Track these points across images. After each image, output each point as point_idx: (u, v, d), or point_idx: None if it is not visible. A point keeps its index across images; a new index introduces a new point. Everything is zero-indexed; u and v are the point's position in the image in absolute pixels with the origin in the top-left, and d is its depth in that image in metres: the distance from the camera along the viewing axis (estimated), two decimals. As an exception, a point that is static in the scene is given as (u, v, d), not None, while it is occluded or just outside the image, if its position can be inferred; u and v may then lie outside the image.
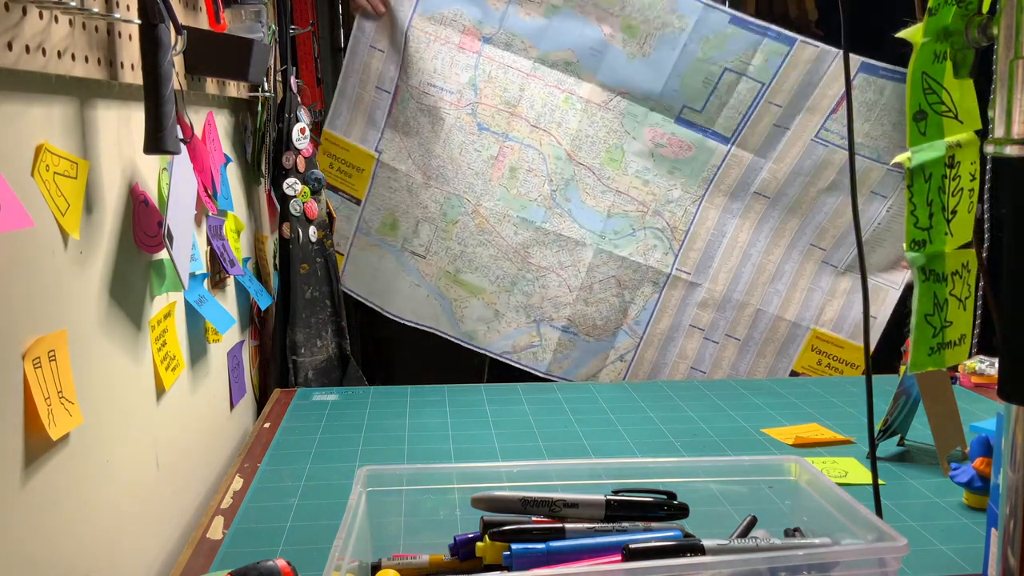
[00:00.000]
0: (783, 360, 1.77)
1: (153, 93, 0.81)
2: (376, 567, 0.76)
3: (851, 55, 1.63)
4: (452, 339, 1.73)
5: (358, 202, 1.69)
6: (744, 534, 0.78)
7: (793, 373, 1.77)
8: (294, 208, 1.51)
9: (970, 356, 1.47)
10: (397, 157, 1.67)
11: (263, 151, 1.50)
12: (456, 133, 1.63)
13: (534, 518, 0.76)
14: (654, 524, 0.76)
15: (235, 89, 1.32)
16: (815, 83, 1.65)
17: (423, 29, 1.61)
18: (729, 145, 1.67)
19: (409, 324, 1.73)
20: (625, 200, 1.70)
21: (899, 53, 0.75)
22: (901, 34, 0.71)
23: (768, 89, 1.64)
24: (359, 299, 1.74)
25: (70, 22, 0.75)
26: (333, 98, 1.67)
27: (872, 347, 0.97)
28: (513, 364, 1.73)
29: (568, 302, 1.71)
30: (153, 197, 0.97)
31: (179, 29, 0.86)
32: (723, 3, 1.71)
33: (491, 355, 1.74)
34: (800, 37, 1.65)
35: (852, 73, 1.65)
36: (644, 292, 1.73)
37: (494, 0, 1.62)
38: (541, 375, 1.74)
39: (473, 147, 1.65)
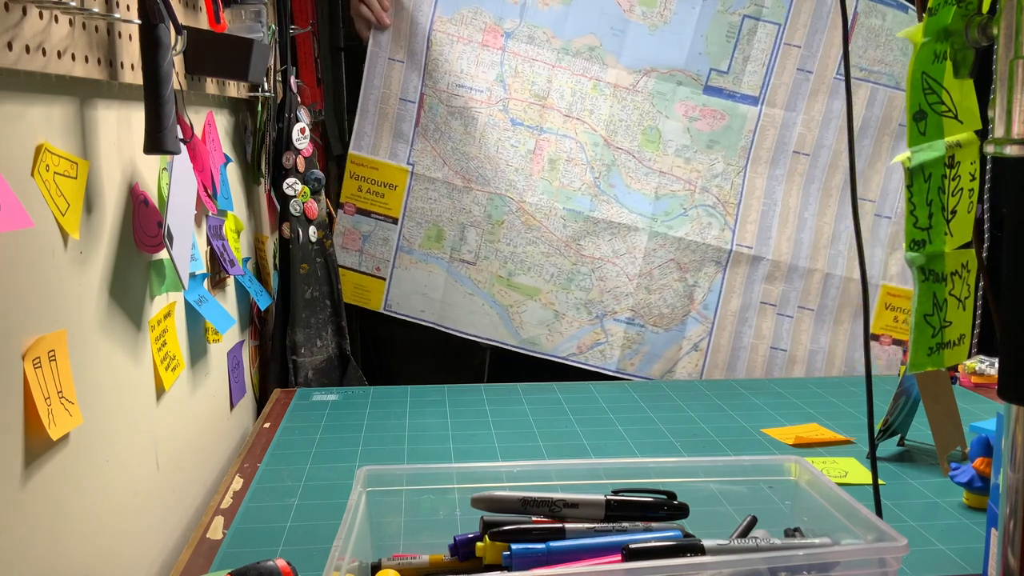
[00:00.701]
0: (860, 323, 1.70)
1: (153, 93, 0.81)
2: (376, 567, 0.76)
3: None
4: (515, 349, 1.68)
5: (395, 221, 1.64)
6: (744, 534, 0.78)
7: (873, 337, 1.70)
8: (294, 208, 1.51)
9: (970, 356, 1.47)
10: (432, 166, 1.63)
11: (263, 151, 1.50)
12: (490, 131, 1.61)
13: (534, 518, 0.76)
14: (654, 524, 0.76)
15: (235, 89, 1.32)
16: (825, 14, 1.64)
17: (444, 31, 1.59)
18: (759, 106, 1.65)
19: (469, 337, 1.68)
20: (670, 180, 1.66)
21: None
22: (901, 34, 0.71)
23: (785, 29, 1.62)
24: (410, 319, 1.69)
25: (70, 22, 0.75)
26: (355, 120, 1.63)
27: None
28: (582, 366, 1.68)
29: (629, 291, 1.66)
30: (153, 197, 0.97)
31: (179, 29, 0.86)
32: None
33: (557, 360, 1.68)
34: None
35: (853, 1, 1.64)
36: (707, 272, 1.67)
37: None
38: (611, 374, 1.68)
39: (509, 143, 1.62)
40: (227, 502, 1.01)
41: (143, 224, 0.93)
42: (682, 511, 0.78)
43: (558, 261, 1.65)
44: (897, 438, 1.17)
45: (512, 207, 1.63)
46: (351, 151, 1.64)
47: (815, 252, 1.70)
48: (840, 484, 0.87)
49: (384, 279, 1.67)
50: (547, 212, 1.63)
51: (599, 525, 0.75)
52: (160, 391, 0.99)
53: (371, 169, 1.64)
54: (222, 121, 1.31)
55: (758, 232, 1.69)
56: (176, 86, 0.84)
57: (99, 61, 0.81)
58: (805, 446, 1.18)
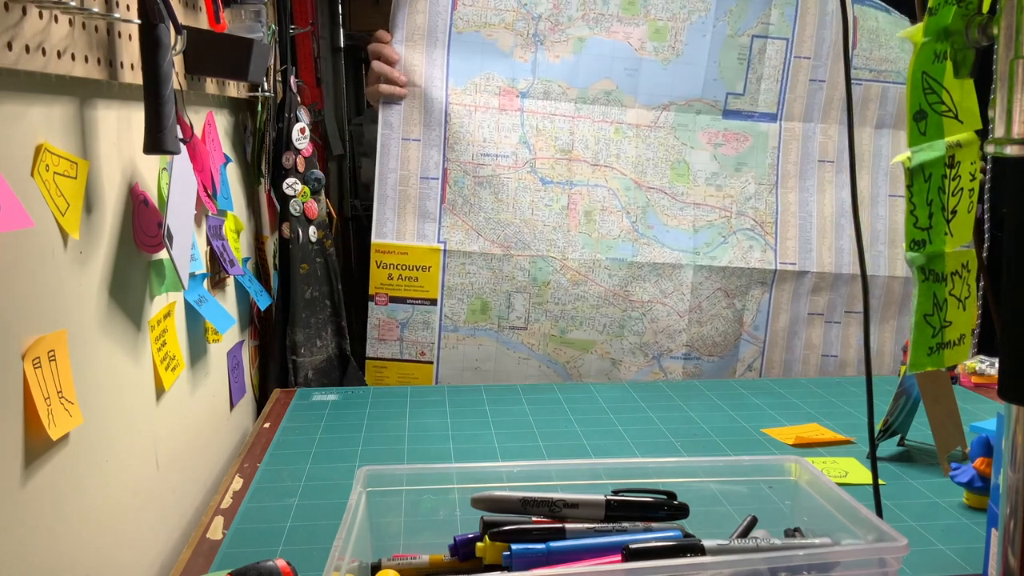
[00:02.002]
0: (906, 315, 1.70)
1: (153, 93, 0.81)
2: (376, 567, 0.76)
3: None
4: None
5: (433, 302, 1.59)
6: (744, 534, 0.78)
7: None
8: (294, 208, 1.51)
9: (970, 356, 1.47)
10: (465, 240, 1.58)
11: (263, 151, 1.50)
12: (522, 194, 1.59)
13: (534, 518, 0.76)
14: (654, 524, 0.76)
15: (235, 89, 1.32)
16: (828, 22, 1.65)
17: (460, 103, 1.57)
18: (779, 121, 1.66)
19: None
20: (706, 211, 1.66)
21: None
22: (901, 34, 0.71)
23: (793, 43, 1.63)
24: None
25: (70, 22, 0.75)
26: (374, 208, 1.57)
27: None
28: None
29: (682, 328, 1.65)
30: (153, 197, 0.97)
31: (179, 29, 0.86)
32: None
33: None
34: None
35: (850, 8, 1.64)
36: (754, 295, 1.67)
37: (521, 54, 1.59)
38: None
39: (543, 203, 1.60)
40: (227, 502, 1.01)
41: (143, 224, 0.93)
42: (682, 511, 0.78)
43: (608, 311, 1.63)
44: (897, 438, 1.17)
45: (556, 266, 1.60)
46: (374, 241, 1.57)
47: (856, 256, 1.68)
48: (840, 484, 0.87)
49: (431, 362, 1.61)
50: (591, 265, 1.61)
51: (599, 525, 0.75)
52: (160, 391, 0.99)
53: (399, 255, 1.57)
54: (222, 121, 1.31)
55: (799, 247, 1.69)
56: (176, 86, 0.84)
57: (99, 61, 0.81)
58: (805, 446, 1.18)
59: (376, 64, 1.57)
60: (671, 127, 1.63)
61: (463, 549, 0.76)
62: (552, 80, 1.59)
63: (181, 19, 0.90)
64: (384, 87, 1.56)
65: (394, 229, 1.57)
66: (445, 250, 1.57)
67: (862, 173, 1.71)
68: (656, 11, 1.59)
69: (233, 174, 1.36)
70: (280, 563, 0.73)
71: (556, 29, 1.58)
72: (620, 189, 1.63)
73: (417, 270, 1.58)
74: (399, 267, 1.58)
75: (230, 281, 1.32)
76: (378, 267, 1.58)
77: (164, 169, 1.01)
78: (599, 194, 1.62)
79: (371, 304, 1.59)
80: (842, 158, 1.69)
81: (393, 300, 1.59)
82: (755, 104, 1.65)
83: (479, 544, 0.74)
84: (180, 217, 0.99)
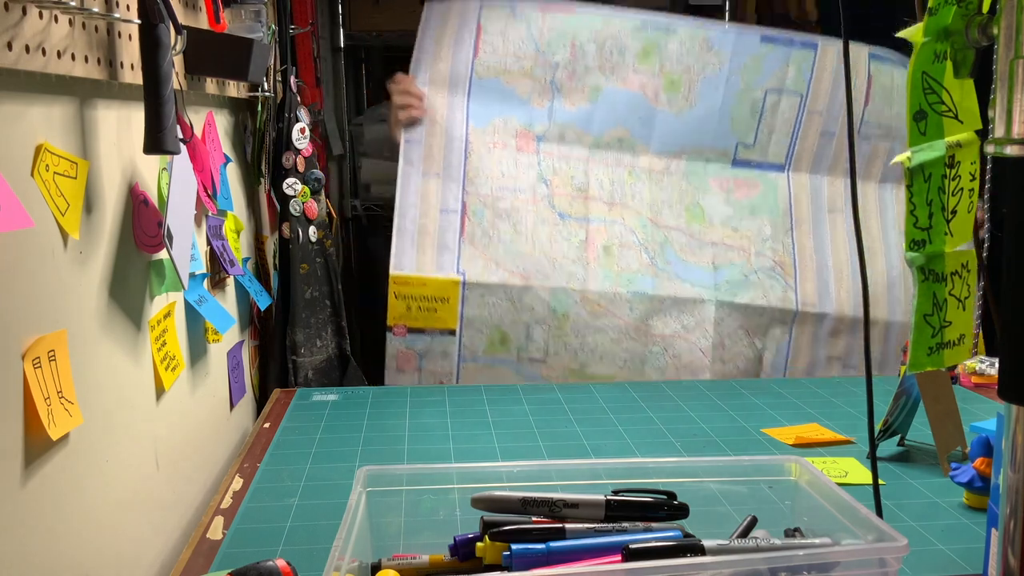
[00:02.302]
0: None
1: (153, 93, 0.81)
2: (376, 567, 0.76)
3: (860, 44, 1.65)
4: None
5: (452, 332, 1.58)
6: (744, 534, 0.78)
7: None
8: (294, 208, 1.51)
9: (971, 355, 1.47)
10: (485, 271, 1.57)
11: (263, 151, 1.50)
12: (541, 227, 1.58)
13: (534, 518, 0.76)
14: (654, 524, 0.76)
15: (235, 89, 1.32)
16: (840, 74, 1.67)
17: (480, 140, 1.58)
18: (786, 172, 1.67)
19: None
20: (724, 249, 1.65)
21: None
22: (901, 34, 0.71)
23: (808, 99, 1.65)
24: None
25: (70, 22, 0.75)
26: (393, 240, 1.56)
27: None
28: None
29: (705, 365, 1.63)
30: (153, 197, 0.97)
31: (179, 29, 0.86)
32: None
33: None
34: (822, 37, 1.66)
35: (865, 65, 1.65)
36: (775, 335, 1.66)
37: (538, 100, 1.60)
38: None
39: (561, 236, 1.59)
40: (227, 502, 1.01)
41: (143, 224, 0.93)
42: (682, 511, 0.78)
43: (629, 345, 1.62)
44: (897, 438, 1.17)
45: (576, 298, 1.59)
46: (392, 272, 1.56)
47: (874, 302, 1.68)
48: (840, 484, 0.87)
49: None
50: (611, 298, 1.60)
51: (599, 525, 0.75)
52: (160, 391, 0.99)
53: (418, 286, 1.55)
54: (222, 121, 1.31)
55: (817, 289, 1.68)
56: (176, 86, 0.84)
57: (99, 61, 0.81)
58: (805, 446, 1.18)
59: (397, 94, 1.57)
60: (682, 173, 1.63)
61: (463, 549, 0.76)
62: (568, 126, 1.60)
63: (181, 19, 0.90)
64: (403, 114, 1.56)
65: (413, 261, 1.55)
66: (464, 281, 1.55)
67: (870, 223, 1.70)
68: (671, 64, 1.60)
69: (233, 174, 1.36)
70: (280, 563, 0.73)
71: (573, 77, 1.59)
72: (637, 226, 1.62)
73: (436, 301, 1.56)
74: (418, 299, 1.55)
75: (230, 281, 1.32)
76: (396, 298, 1.55)
77: (164, 169, 1.01)
78: (616, 230, 1.61)
79: (389, 335, 1.58)
80: (850, 207, 1.69)
81: (411, 331, 1.58)
82: (765, 155, 1.66)
83: (479, 544, 0.74)
84: (180, 217, 0.99)
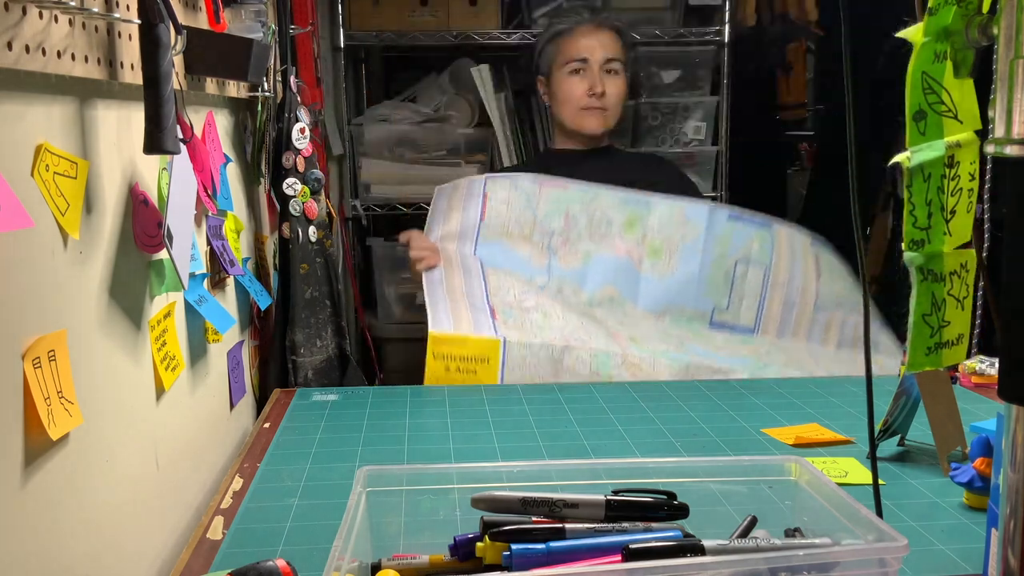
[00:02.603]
0: None
1: (153, 93, 0.81)
2: (376, 567, 0.76)
3: (803, 232, 1.81)
4: None
5: None
6: (744, 534, 0.78)
7: None
8: (294, 208, 1.51)
9: (969, 356, 1.47)
10: (523, 336, 1.56)
11: (263, 151, 1.50)
12: (570, 314, 1.62)
13: (534, 518, 0.76)
14: (654, 524, 0.76)
15: (235, 89, 1.32)
16: (798, 255, 1.82)
17: (493, 273, 1.67)
18: (756, 334, 1.76)
19: None
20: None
21: (899, 52, 0.75)
22: (901, 34, 0.71)
23: (771, 270, 1.79)
24: None
25: (70, 22, 0.75)
26: (427, 305, 1.54)
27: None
28: None
29: None
30: (153, 197, 0.97)
31: (179, 29, 0.86)
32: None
33: None
34: (774, 220, 1.83)
35: (809, 249, 1.83)
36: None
37: (539, 258, 1.72)
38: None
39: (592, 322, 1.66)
40: (227, 502, 1.01)
41: (143, 224, 0.93)
42: (682, 511, 0.78)
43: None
44: (897, 438, 1.17)
45: (617, 360, 1.60)
46: (431, 331, 1.51)
47: None
48: (840, 484, 0.87)
49: None
50: (652, 362, 1.61)
51: (599, 525, 0.75)
52: (160, 391, 0.99)
53: (458, 345, 1.51)
54: (222, 121, 1.31)
55: None
56: (176, 86, 0.84)
57: (99, 61, 0.81)
58: (805, 446, 1.18)
59: (413, 250, 1.67)
60: (666, 329, 1.72)
61: (463, 549, 0.76)
62: (565, 280, 1.72)
63: (181, 19, 0.90)
64: (420, 265, 1.65)
65: (450, 320, 1.54)
66: (505, 342, 1.54)
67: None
68: (652, 233, 1.74)
69: (233, 174, 1.36)
70: (280, 563, 0.73)
71: (567, 243, 1.73)
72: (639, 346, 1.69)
73: (476, 361, 1.53)
74: (457, 359, 1.52)
75: (230, 281, 1.32)
76: (434, 358, 1.51)
77: (164, 169, 1.01)
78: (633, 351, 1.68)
79: None
80: (816, 371, 1.73)
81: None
82: (737, 318, 1.77)
83: (479, 544, 0.74)
84: (180, 217, 0.99)
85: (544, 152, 2.15)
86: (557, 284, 1.71)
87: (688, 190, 2.01)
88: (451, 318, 1.53)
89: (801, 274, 1.81)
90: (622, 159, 2.01)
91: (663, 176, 1.98)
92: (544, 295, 1.66)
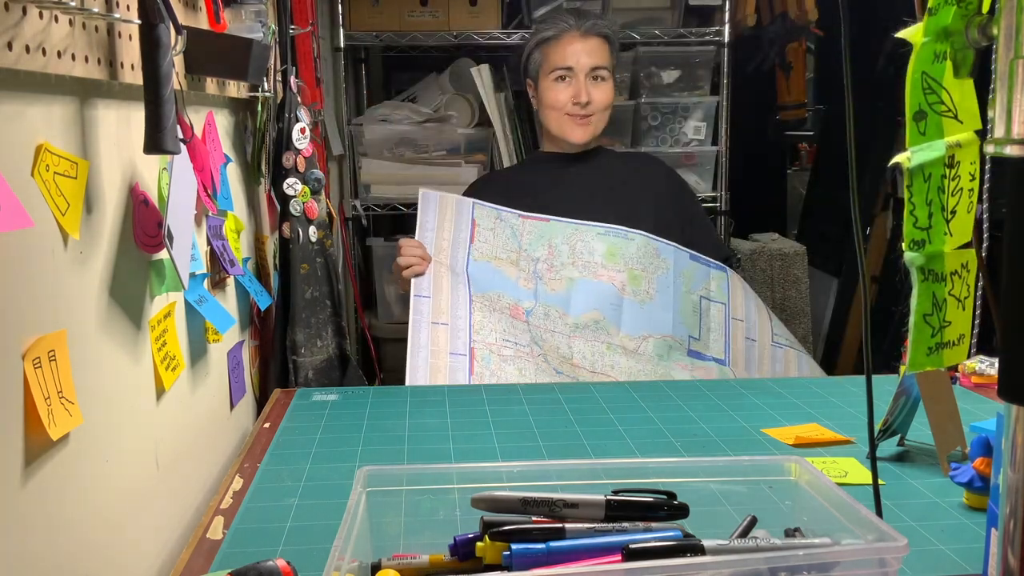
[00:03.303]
0: None
1: (153, 93, 0.81)
2: (376, 567, 0.76)
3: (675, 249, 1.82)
4: None
5: None
6: (744, 534, 0.78)
7: None
8: (294, 208, 1.51)
9: (970, 356, 1.47)
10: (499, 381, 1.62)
11: (263, 151, 1.50)
12: (541, 376, 1.64)
13: (534, 518, 0.76)
14: (654, 524, 0.76)
15: (235, 89, 1.32)
16: (749, 298, 1.88)
17: (481, 302, 1.69)
18: (728, 366, 1.81)
19: None
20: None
21: (898, 53, 0.75)
22: (901, 34, 0.71)
23: (729, 307, 1.86)
24: None
25: (70, 22, 0.75)
26: (407, 379, 1.55)
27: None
28: None
29: None
30: (153, 197, 0.97)
31: (179, 29, 0.86)
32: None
33: None
34: (729, 270, 1.89)
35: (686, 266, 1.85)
36: None
37: (525, 282, 1.75)
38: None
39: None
40: (227, 502, 1.01)
41: (143, 224, 0.93)
42: (682, 511, 0.77)
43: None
44: (897, 438, 1.17)
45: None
46: (407, 382, 1.54)
47: None
48: (840, 484, 0.87)
49: None
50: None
51: (599, 525, 0.75)
52: (160, 391, 0.99)
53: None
54: (222, 121, 1.31)
55: None
56: (176, 86, 0.84)
57: (99, 61, 0.81)
58: (805, 446, 1.18)
59: (403, 256, 1.69)
60: (650, 354, 1.76)
61: (463, 549, 0.76)
62: (551, 305, 1.75)
63: (181, 19, 0.90)
64: (408, 272, 1.67)
65: (427, 374, 1.58)
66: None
67: None
68: (632, 262, 1.79)
69: (233, 174, 1.36)
70: (280, 563, 0.73)
71: (552, 270, 1.78)
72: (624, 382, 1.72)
73: None
74: None
75: (230, 281, 1.32)
76: None
77: (164, 169, 1.01)
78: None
79: None
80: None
81: None
82: (707, 348, 1.82)
83: (479, 544, 0.74)
84: (180, 217, 0.99)
85: (534, 155, 2.15)
86: (544, 309, 1.74)
87: (678, 188, 2.01)
88: (428, 370, 1.56)
89: (755, 313, 1.87)
90: (610, 160, 2.00)
91: (653, 175, 1.98)
92: (525, 334, 1.67)
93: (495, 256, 1.77)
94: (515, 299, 1.73)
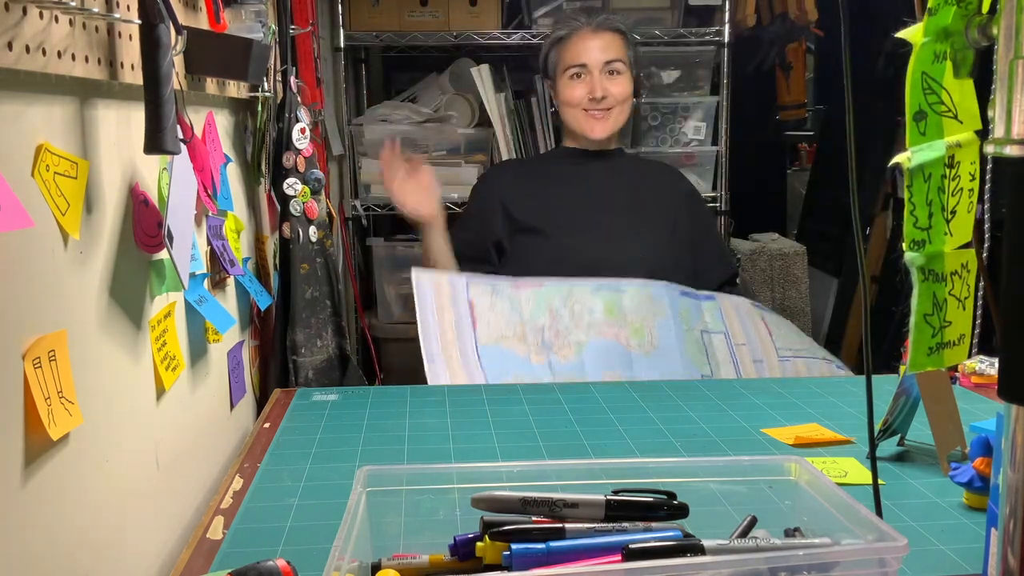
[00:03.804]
0: None
1: (153, 93, 0.81)
2: (376, 567, 0.76)
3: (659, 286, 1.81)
4: None
5: None
6: (744, 534, 0.78)
7: None
8: (294, 208, 1.51)
9: (970, 356, 1.47)
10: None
11: (263, 151, 1.50)
12: None
13: (534, 518, 0.76)
14: (654, 524, 0.76)
15: (235, 89, 1.32)
16: (745, 314, 1.87)
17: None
18: None
19: None
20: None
21: (898, 53, 0.75)
22: (901, 34, 0.71)
23: (729, 334, 1.84)
24: None
25: (70, 22, 0.75)
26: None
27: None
28: None
29: None
30: (153, 197, 0.97)
31: (179, 29, 0.86)
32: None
33: None
34: (715, 293, 1.89)
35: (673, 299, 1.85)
36: None
37: (536, 356, 1.73)
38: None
39: None
40: (227, 502, 1.01)
41: (143, 224, 0.93)
42: (682, 511, 0.77)
43: None
44: (897, 438, 1.17)
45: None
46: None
47: None
48: (840, 484, 0.87)
49: None
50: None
51: (599, 525, 0.75)
52: (160, 391, 0.99)
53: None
54: (222, 121, 1.31)
55: None
56: (176, 86, 0.84)
57: (99, 61, 0.81)
58: (805, 446, 1.18)
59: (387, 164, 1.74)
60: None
61: (463, 549, 0.76)
62: (568, 377, 1.70)
63: (181, 19, 0.90)
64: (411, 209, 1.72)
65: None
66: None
67: None
68: (631, 315, 1.78)
69: (233, 174, 1.36)
70: (280, 563, 0.73)
71: (559, 336, 1.75)
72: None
73: None
74: None
75: (230, 281, 1.32)
76: None
77: (164, 169, 1.01)
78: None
79: None
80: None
81: None
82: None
83: (479, 544, 0.74)
84: (180, 217, 0.99)
85: (555, 150, 2.16)
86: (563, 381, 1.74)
87: (694, 200, 2.02)
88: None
89: (755, 333, 1.87)
90: (629, 163, 2.02)
91: (670, 184, 1.99)
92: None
93: (502, 336, 1.74)
94: (533, 380, 1.69)
